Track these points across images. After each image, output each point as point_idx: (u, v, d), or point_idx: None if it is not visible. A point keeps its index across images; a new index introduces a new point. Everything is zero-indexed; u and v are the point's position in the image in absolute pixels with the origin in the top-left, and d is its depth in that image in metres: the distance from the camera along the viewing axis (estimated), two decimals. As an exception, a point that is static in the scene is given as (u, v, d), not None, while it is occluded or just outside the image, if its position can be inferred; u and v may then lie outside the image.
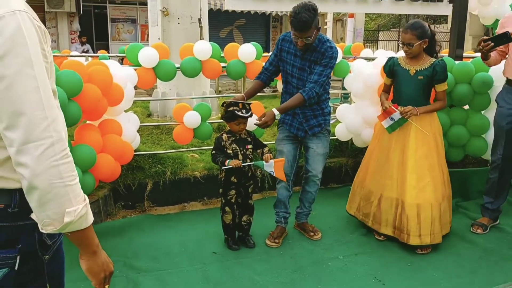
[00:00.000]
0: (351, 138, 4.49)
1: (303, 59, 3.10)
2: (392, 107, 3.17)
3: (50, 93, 1.07)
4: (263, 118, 3.01)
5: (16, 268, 1.15)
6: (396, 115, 3.16)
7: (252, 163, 3.08)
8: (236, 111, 3.02)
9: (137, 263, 3.00)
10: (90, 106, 3.17)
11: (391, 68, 3.29)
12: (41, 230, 1.09)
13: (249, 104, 3.13)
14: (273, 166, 3.02)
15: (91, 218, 1.14)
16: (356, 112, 4.31)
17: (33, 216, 1.10)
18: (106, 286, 1.24)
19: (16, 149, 1.02)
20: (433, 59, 3.15)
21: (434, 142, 3.21)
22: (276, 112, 3.02)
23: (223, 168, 3.06)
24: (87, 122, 3.49)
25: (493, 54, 3.26)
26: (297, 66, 3.12)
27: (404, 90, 3.23)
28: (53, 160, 1.03)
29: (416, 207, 3.12)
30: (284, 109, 3.09)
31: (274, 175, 3.09)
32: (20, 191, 1.10)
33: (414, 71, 3.16)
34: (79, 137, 3.30)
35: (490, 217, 3.50)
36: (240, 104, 3.05)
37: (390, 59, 3.35)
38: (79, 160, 3.08)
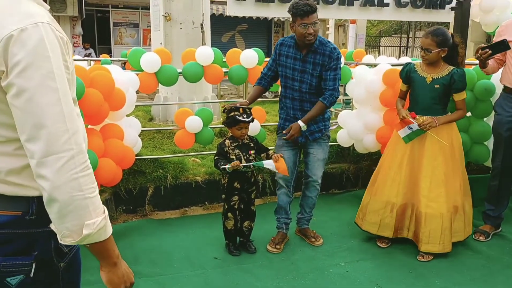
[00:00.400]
0: (353, 144, 4.49)
1: (304, 62, 3.10)
2: (410, 117, 3.09)
3: (72, 106, 1.07)
4: (290, 132, 3.08)
5: (31, 275, 1.14)
6: (415, 126, 3.07)
7: (251, 164, 3.06)
8: (237, 116, 3.03)
9: (137, 267, 2.99)
10: (92, 111, 3.17)
11: (407, 74, 3.23)
12: (59, 241, 1.09)
13: (250, 109, 3.13)
14: (273, 163, 2.97)
15: (110, 230, 1.13)
16: (358, 118, 4.32)
17: (52, 226, 1.10)
18: None
19: (36, 161, 1.02)
20: (452, 68, 3.06)
21: (450, 152, 3.15)
22: (301, 124, 3.09)
23: (221, 167, 3.04)
24: (89, 126, 3.49)
25: (491, 62, 3.26)
26: (298, 69, 3.12)
27: (420, 98, 3.15)
28: (74, 172, 1.03)
29: (425, 216, 3.10)
30: (308, 119, 3.12)
31: (275, 170, 3.01)
32: (38, 198, 1.11)
33: (431, 79, 3.09)
34: (81, 142, 3.30)
35: (492, 224, 3.49)
36: (241, 109, 3.05)
37: (407, 64, 3.29)
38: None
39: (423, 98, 3.13)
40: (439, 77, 3.07)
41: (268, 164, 2.97)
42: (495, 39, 3.32)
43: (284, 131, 3.14)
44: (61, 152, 1.02)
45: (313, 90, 3.14)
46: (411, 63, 3.30)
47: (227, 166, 2.99)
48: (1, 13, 1.02)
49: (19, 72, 1.00)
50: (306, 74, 3.11)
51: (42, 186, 1.03)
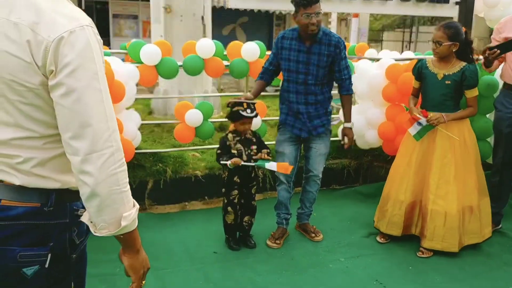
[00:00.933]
0: (354, 140, 4.46)
1: (309, 53, 3.05)
2: (421, 115, 3.05)
3: (111, 105, 1.14)
4: (346, 138, 3.20)
5: (46, 266, 1.18)
6: (423, 121, 3.03)
7: (254, 163, 3.04)
8: (240, 111, 3.00)
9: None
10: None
11: (419, 70, 3.18)
12: (94, 234, 1.15)
13: (254, 103, 3.10)
14: (275, 166, 2.97)
15: (137, 221, 1.22)
16: (360, 113, 4.29)
17: (84, 219, 1.17)
18: (143, 282, 1.30)
19: (81, 158, 1.08)
20: (464, 64, 3.00)
21: (462, 149, 3.09)
22: (349, 125, 3.22)
23: (221, 163, 3.03)
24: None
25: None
26: (303, 61, 3.07)
27: (431, 95, 3.11)
28: (113, 168, 1.10)
29: (431, 213, 3.07)
30: (349, 116, 3.23)
31: (276, 170, 3.01)
32: (57, 191, 1.17)
33: (442, 75, 3.04)
34: (80, 134, 3.28)
35: (492, 221, 3.47)
36: (245, 104, 3.02)
37: (419, 61, 3.24)
38: (80, 157, 3.06)
39: (434, 94, 3.09)
40: (451, 73, 3.01)
41: (271, 166, 2.96)
42: (494, 36, 3.28)
43: (342, 142, 3.25)
44: (103, 149, 1.08)
45: (319, 82, 3.11)
46: (423, 59, 3.25)
47: (228, 162, 2.97)
48: (49, 14, 1.07)
49: (69, 72, 1.05)
50: (312, 66, 3.07)
51: (85, 181, 1.09)
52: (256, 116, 3.11)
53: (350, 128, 3.23)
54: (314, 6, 2.91)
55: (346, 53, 3.18)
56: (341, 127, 3.32)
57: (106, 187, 1.09)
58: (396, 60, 4.38)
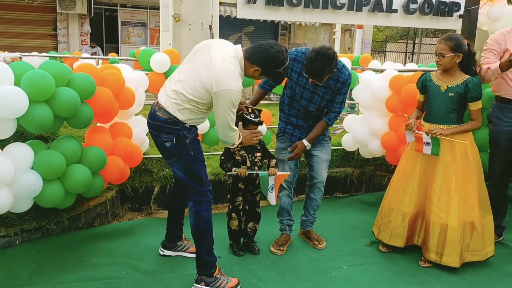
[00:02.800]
0: (357, 149, 4.52)
1: (316, 84, 3.03)
2: (415, 128, 3.07)
3: None
4: (295, 151, 3.18)
5: (174, 142, 2.60)
6: (426, 138, 3.01)
7: (258, 172, 3.09)
8: (245, 115, 3.04)
9: (142, 265, 3.03)
10: (102, 109, 3.22)
11: (423, 83, 3.18)
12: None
13: (259, 110, 3.14)
14: (274, 180, 3.02)
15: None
16: (364, 123, 4.35)
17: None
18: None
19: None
20: (467, 76, 2.99)
21: (462, 163, 3.05)
22: (306, 143, 3.18)
23: (228, 174, 3.09)
24: (98, 124, 3.54)
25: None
26: (309, 89, 3.11)
27: (434, 107, 3.11)
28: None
29: (433, 225, 3.07)
30: (313, 138, 3.20)
31: (271, 190, 3.03)
32: (174, 115, 2.57)
33: (446, 88, 3.03)
34: (90, 139, 3.35)
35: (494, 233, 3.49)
36: (249, 109, 3.07)
37: (423, 74, 3.25)
38: (89, 162, 3.13)
39: (437, 106, 3.09)
40: (454, 85, 3.01)
41: (272, 180, 3.03)
42: (492, 47, 3.25)
43: (289, 149, 3.22)
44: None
45: (319, 112, 3.19)
46: (427, 72, 3.26)
47: (233, 172, 3.03)
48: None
49: None
50: (316, 96, 3.12)
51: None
52: (261, 123, 3.16)
53: (305, 147, 3.19)
54: (314, 79, 2.92)
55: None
56: (345, 135, 3.35)
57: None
58: (399, 71, 4.45)
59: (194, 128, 2.69)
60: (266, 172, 3.04)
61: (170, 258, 3.15)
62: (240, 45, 2.64)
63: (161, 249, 3.20)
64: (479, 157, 3.18)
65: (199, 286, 2.75)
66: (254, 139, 2.95)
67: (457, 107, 3.04)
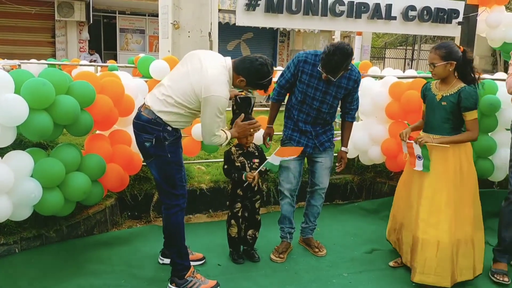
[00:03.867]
0: (358, 155, 4.51)
1: (329, 83, 3.06)
2: (406, 138, 3.02)
3: None
4: (342, 162, 3.31)
5: (153, 143, 2.65)
6: (417, 148, 2.93)
7: (264, 168, 3.06)
8: (238, 97, 3.03)
9: (142, 273, 3.02)
10: (101, 117, 3.21)
11: (423, 93, 3.14)
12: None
13: (251, 92, 3.15)
14: (282, 152, 2.97)
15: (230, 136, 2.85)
16: (363, 130, 4.35)
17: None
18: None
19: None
20: (462, 85, 2.89)
21: (455, 176, 2.93)
22: (346, 149, 3.34)
23: (243, 179, 3.08)
24: (97, 132, 3.53)
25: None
26: (322, 90, 3.10)
27: (429, 116, 3.05)
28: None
29: (422, 243, 2.93)
30: (347, 143, 3.35)
31: (287, 158, 3.03)
32: (158, 115, 2.63)
33: (440, 97, 2.95)
34: (89, 147, 3.34)
35: (507, 262, 3.16)
36: (244, 92, 3.05)
37: (425, 84, 3.20)
38: (89, 169, 3.12)
39: (431, 116, 3.02)
40: (448, 94, 2.93)
41: (274, 160, 2.98)
42: None
43: (337, 164, 3.31)
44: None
45: (332, 111, 3.21)
46: (429, 82, 3.21)
47: (245, 179, 3.05)
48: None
49: None
50: (329, 96, 3.12)
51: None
52: (254, 98, 3.14)
53: (346, 153, 3.33)
54: (330, 74, 2.93)
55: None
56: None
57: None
58: (399, 78, 4.45)
59: (176, 131, 2.74)
60: (268, 160, 3.01)
61: (169, 266, 3.12)
62: (229, 57, 2.78)
63: (161, 257, 3.18)
64: (475, 171, 3.06)
65: (171, 286, 2.83)
66: (251, 130, 2.99)
67: (451, 116, 2.94)
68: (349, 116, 3.30)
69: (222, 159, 3.29)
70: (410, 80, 4.28)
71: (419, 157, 2.95)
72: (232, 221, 3.22)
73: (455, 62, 2.87)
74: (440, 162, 2.94)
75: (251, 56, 2.75)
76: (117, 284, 2.87)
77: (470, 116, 2.90)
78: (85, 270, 3.00)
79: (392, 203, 3.39)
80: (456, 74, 2.96)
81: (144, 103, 2.76)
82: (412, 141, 2.97)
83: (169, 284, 2.84)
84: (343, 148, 3.31)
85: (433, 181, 2.95)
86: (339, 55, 2.85)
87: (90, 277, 2.92)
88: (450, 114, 2.93)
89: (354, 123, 3.35)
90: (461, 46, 2.97)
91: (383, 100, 4.20)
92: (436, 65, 2.89)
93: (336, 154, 3.40)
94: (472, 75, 2.92)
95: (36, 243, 3.17)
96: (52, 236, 3.23)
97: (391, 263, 3.26)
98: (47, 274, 2.92)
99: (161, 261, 3.17)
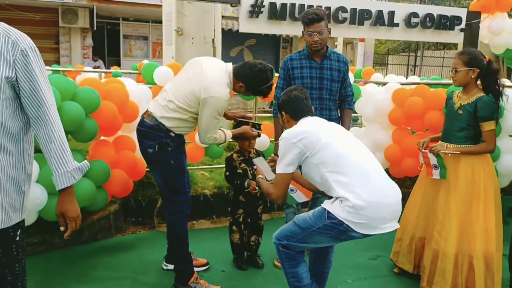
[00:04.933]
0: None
1: (321, 68, 3.15)
2: (423, 148, 2.99)
3: None
4: None
5: (156, 150, 2.65)
6: (432, 158, 2.90)
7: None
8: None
9: (145, 279, 3.02)
10: (106, 123, 3.23)
11: (446, 102, 3.09)
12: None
13: (259, 124, 3.18)
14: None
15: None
16: (367, 136, 4.35)
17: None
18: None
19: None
20: (481, 94, 2.81)
21: (467, 187, 2.84)
22: None
23: (239, 185, 3.09)
24: (102, 138, 3.55)
25: None
26: (316, 77, 3.15)
27: (446, 124, 3.00)
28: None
29: (432, 252, 2.90)
30: (349, 129, 3.31)
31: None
32: (160, 121, 2.64)
33: (459, 105, 2.89)
34: (94, 153, 3.36)
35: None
36: (250, 124, 3.10)
37: (448, 94, 3.16)
38: (93, 175, 3.14)
39: (449, 124, 2.97)
40: (466, 103, 2.85)
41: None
42: None
43: None
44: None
45: (333, 96, 3.21)
46: (452, 92, 3.12)
47: (247, 186, 3.08)
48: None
49: None
50: (325, 80, 3.16)
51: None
52: (259, 136, 3.19)
53: None
54: (317, 24, 3.03)
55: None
56: None
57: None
58: (402, 84, 4.46)
59: (179, 137, 2.75)
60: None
61: (173, 272, 3.13)
62: (231, 63, 2.82)
63: (164, 263, 3.18)
64: (496, 186, 2.92)
65: None
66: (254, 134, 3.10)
67: (466, 126, 2.86)
68: (346, 103, 3.32)
69: (225, 165, 3.29)
70: (413, 86, 4.29)
71: (436, 167, 2.92)
72: (234, 227, 3.23)
73: (478, 70, 2.80)
74: (451, 174, 2.89)
75: (251, 62, 2.78)
76: (121, 290, 2.87)
77: (487, 126, 2.82)
78: (89, 276, 3.01)
79: (403, 211, 3.22)
80: (479, 85, 2.90)
81: (147, 110, 2.78)
82: (427, 151, 2.95)
83: None
84: None
85: (445, 192, 2.91)
86: (314, 10, 3.10)
87: (95, 283, 2.92)
88: (465, 123, 2.86)
89: (357, 129, 3.38)
90: (486, 56, 2.88)
91: (386, 106, 4.20)
92: (458, 70, 2.83)
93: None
94: (496, 87, 2.81)
95: (40, 249, 3.18)
96: (56, 242, 3.24)
97: (396, 270, 3.25)
98: (52, 279, 2.93)
99: (165, 267, 3.17)
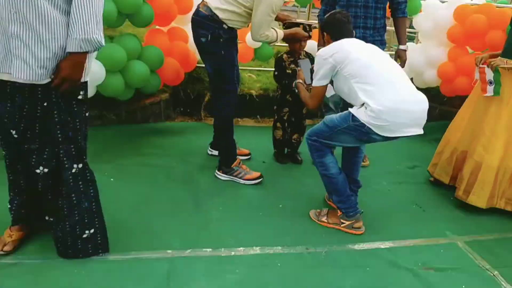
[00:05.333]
0: (411, 78, 4.42)
1: None
2: (480, 63, 2.89)
3: None
4: (399, 60, 3.24)
5: (208, 39, 2.69)
6: (489, 72, 2.82)
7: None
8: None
9: (192, 159, 3.27)
10: (162, 10, 3.29)
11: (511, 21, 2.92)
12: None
13: (310, 25, 3.14)
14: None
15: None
16: (420, 52, 4.23)
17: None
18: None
19: None
20: None
21: None
22: (404, 47, 3.25)
23: (293, 87, 3.12)
24: (157, 27, 3.63)
25: None
26: None
27: (509, 41, 2.83)
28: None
29: (473, 164, 2.89)
30: (405, 39, 3.26)
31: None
32: (214, 12, 2.64)
33: None
34: (149, 40, 3.46)
35: None
36: (301, 26, 3.08)
37: None
38: (148, 60, 3.26)
39: (511, 40, 2.83)
40: None
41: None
42: None
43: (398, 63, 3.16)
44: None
45: (380, 4, 3.06)
46: None
47: (294, 87, 3.05)
48: None
49: None
50: None
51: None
52: (310, 37, 3.15)
53: (405, 51, 3.24)
54: None
55: None
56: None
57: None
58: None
59: (232, 31, 2.76)
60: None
61: (217, 157, 3.31)
62: None
63: (210, 149, 3.37)
64: None
65: (218, 173, 3.04)
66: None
67: None
68: (399, 11, 3.17)
69: (273, 69, 3.33)
70: (478, 3, 4.05)
71: (491, 82, 2.86)
72: (278, 124, 3.33)
73: None
74: (506, 90, 2.82)
75: None
76: (169, 165, 3.10)
77: None
78: (141, 151, 3.25)
79: (448, 126, 3.26)
80: None
81: (203, 0, 2.79)
82: (484, 66, 2.87)
83: (216, 171, 3.04)
84: (401, 46, 3.23)
85: (496, 105, 2.87)
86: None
87: (146, 158, 3.17)
88: None
89: (412, 44, 3.25)
90: None
91: (446, 23, 4.02)
92: None
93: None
94: None
95: (97, 122, 3.42)
96: (112, 118, 3.47)
97: (432, 179, 3.30)
98: (108, 149, 3.20)
99: (210, 152, 3.36)
